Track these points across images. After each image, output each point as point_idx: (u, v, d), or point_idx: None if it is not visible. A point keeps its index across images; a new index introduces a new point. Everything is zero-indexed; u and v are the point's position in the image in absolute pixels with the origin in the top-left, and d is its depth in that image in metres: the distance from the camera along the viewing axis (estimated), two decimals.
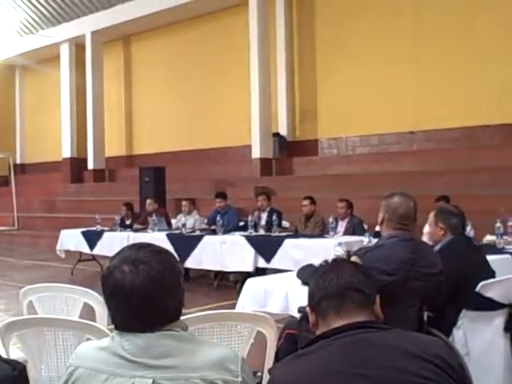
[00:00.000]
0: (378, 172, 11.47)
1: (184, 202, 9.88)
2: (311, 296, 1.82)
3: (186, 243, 8.38)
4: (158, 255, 1.62)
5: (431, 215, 3.72)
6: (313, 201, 8.58)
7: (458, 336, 3.30)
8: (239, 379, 1.56)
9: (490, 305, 3.32)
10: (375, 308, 1.79)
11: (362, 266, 1.92)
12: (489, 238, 6.18)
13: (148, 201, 10.30)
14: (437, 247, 3.64)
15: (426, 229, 7.67)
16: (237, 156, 14.63)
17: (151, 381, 1.52)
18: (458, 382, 1.61)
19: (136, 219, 10.25)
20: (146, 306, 1.55)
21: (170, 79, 16.43)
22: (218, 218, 8.61)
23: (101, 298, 3.33)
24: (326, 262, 1.92)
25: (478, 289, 3.27)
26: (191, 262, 8.26)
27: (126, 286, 1.55)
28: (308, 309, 1.83)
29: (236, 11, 14.57)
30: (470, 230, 5.65)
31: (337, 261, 1.94)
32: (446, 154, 11.27)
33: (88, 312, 3.36)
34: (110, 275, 1.60)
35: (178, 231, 9.01)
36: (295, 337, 2.99)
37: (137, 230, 9.56)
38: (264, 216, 8.94)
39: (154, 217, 9.41)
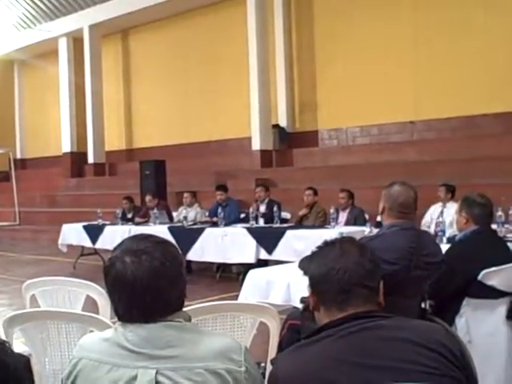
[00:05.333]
0: (379, 162, 11.46)
1: (185, 194, 9.87)
2: (315, 281, 1.77)
3: (187, 236, 8.38)
4: (159, 246, 1.62)
5: (459, 202, 3.67)
6: (315, 192, 8.60)
7: (461, 324, 3.30)
8: (242, 369, 1.56)
9: (493, 293, 3.32)
10: (379, 297, 1.77)
11: (368, 251, 1.81)
12: (491, 226, 6.17)
13: (147, 197, 10.24)
14: (457, 237, 3.64)
15: (426, 218, 7.71)
16: (237, 148, 14.61)
17: (155, 371, 1.52)
18: (460, 369, 1.61)
19: (137, 212, 10.26)
20: (149, 297, 1.55)
21: (168, 72, 16.39)
22: (219, 211, 8.61)
23: (103, 291, 3.34)
24: (331, 242, 1.84)
25: (480, 277, 3.27)
26: (193, 255, 8.26)
27: (128, 276, 1.56)
28: (309, 289, 1.80)
29: (234, 3, 14.51)
30: (499, 218, 5.60)
31: (344, 245, 1.81)
32: (447, 143, 11.26)
33: (91, 305, 3.37)
34: (111, 266, 1.60)
35: (179, 224, 9.01)
36: (298, 327, 2.99)
37: (138, 224, 9.57)
38: (262, 208, 8.95)
39: (155, 210, 9.41)
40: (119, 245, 1.65)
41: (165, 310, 1.58)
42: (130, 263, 1.57)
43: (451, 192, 7.83)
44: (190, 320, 1.63)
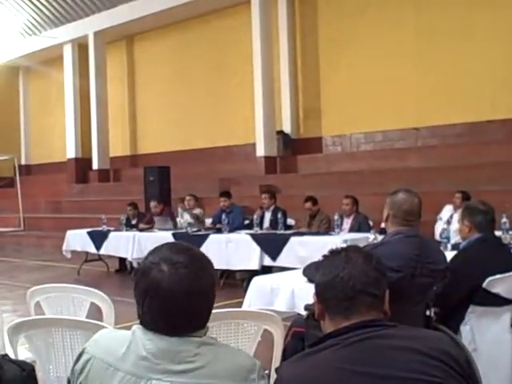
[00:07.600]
0: (383, 168, 11.45)
1: (188, 197, 9.88)
2: (320, 288, 1.77)
3: (191, 242, 8.26)
4: (196, 259, 1.61)
5: (461, 211, 3.68)
6: (314, 201, 8.57)
7: (466, 332, 3.29)
8: None
9: (498, 301, 3.31)
10: (384, 305, 1.76)
11: (374, 259, 1.81)
12: (495, 233, 6.15)
13: (152, 203, 10.24)
14: (461, 245, 3.64)
15: (440, 225, 7.68)
16: (241, 154, 14.62)
17: None
18: (465, 377, 1.60)
19: (141, 219, 10.26)
20: (181, 310, 1.53)
21: (173, 78, 16.43)
22: (223, 217, 8.61)
23: (107, 298, 3.34)
24: (337, 251, 1.84)
25: (484, 285, 3.27)
26: None
27: (165, 286, 1.53)
28: (314, 297, 1.80)
29: (239, 10, 14.55)
30: (503, 224, 5.59)
31: (349, 253, 1.81)
32: (451, 149, 11.24)
33: (95, 312, 3.37)
34: (147, 272, 1.56)
35: (183, 230, 9.01)
36: (302, 335, 2.98)
37: (142, 230, 9.57)
38: (268, 215, 8.93)
39: (160, 216, 9.41)
40: (156, 250, 1.62)
41: (192, 324, 1.56)
42: (167, 272, 1.54)
43: (467, 199, 7.80)
44: (206, 333, 1.61)
